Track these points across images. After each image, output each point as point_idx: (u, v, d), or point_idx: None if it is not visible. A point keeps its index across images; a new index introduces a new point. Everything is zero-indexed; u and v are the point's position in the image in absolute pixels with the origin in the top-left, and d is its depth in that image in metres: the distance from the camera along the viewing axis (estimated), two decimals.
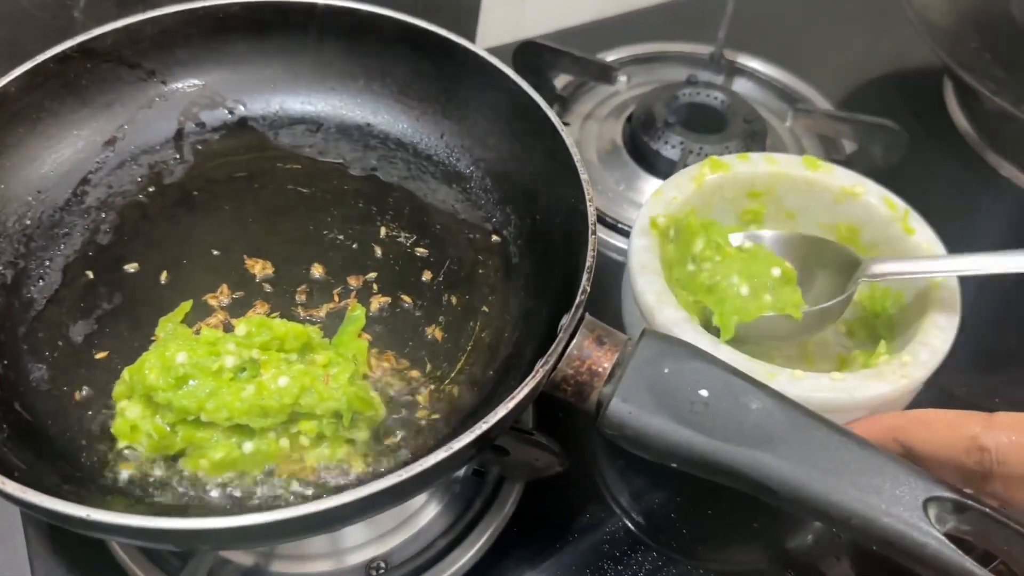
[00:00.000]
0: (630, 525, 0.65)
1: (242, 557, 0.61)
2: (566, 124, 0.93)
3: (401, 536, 0.63)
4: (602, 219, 0.85)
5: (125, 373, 0.57)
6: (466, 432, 0.49)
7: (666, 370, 0.53)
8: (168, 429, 0.55)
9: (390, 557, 0.62)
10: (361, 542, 0.63)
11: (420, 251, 0.68)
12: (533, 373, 0.52)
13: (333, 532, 0.61)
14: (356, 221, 0.69)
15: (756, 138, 0.86)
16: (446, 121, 0.74)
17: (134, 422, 0.55)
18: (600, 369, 0.53)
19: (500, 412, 0.50)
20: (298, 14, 0.74)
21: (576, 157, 0.63)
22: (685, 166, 0.75)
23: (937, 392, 0.68)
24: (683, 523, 0.66)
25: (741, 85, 0.99)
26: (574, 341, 0.54)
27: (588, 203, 0.60)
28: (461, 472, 0.67)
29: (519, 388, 0.51)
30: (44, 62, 0.67)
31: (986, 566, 0.50)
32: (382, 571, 0.61)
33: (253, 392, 0.54)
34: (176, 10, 0.71)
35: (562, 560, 0.63)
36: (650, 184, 0.86)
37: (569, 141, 0.64)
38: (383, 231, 0.69)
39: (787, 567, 0.64)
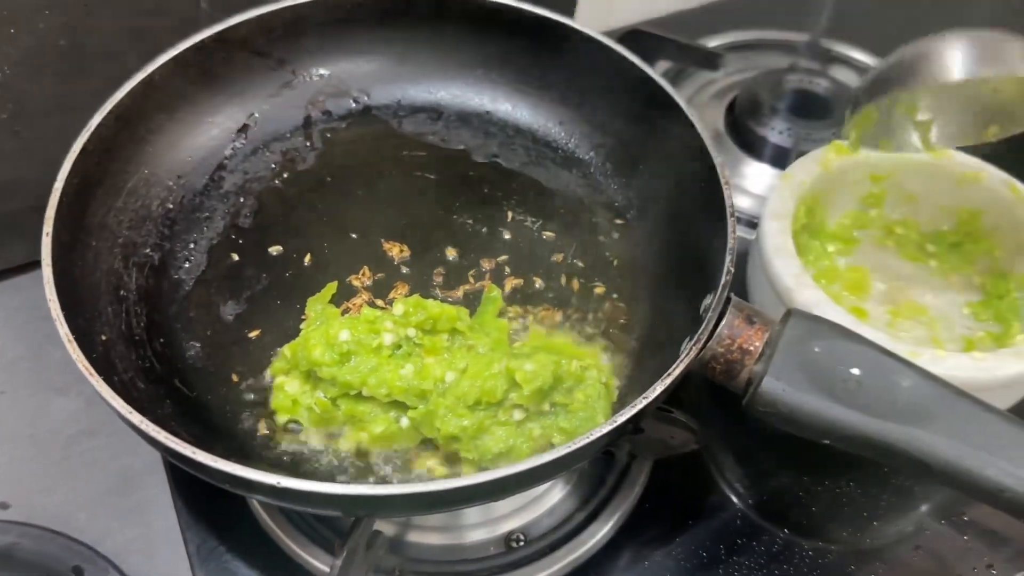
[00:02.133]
0: (753, 506, 0.66)
1: (388, 528, 0.63)
2: None
3: (537, 510, 0.65)
4: None
5: (286, 350, 0.60)
6: (625, 409, 0.51)
7: (816, 349, 0.54)
8: (330, 404, 0.57)
9: (528, 530, 0.64)
10: (499, 515, 0.65)
11: (547, 235, 0.70)
12: (686, 351, 0.53)
13: (490, 503, 0.63)
14: (483, 206, 0.71)
15: None
16: (564, 108, 0.76)
17: (295, 396, 0.58)
18: (752, 348, 0.55)
19: (658, 388, 0.51)
20: (421, 4, 0.75)
21: (706, 138, 0.64)
22: (800, 152, 0.76)
23: None
24: (811, 503, 0.67)
25: (841, 74, 0.99)
26: (724, 320, 0.55)
27: (724, 185, 0.61)
28: None
29: (674, 365, 0.52)
30: (185, 51, 0.69)
31: None
32: (521, 543, 0.63)
33: (412, 372, 0.56)
34: (306, 0, 0.73)
35: (693, 537, 0.65)
36: (754, 169, 0.87)
37: (698, 123, 0.65)
38: (510, 215, 0.71)
39: (916, 543, 0.65)
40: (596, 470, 0.67)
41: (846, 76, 0.99)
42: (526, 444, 0.56)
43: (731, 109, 0.92)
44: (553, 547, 0.63)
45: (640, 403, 0.51)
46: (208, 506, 0.65)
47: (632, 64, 0.70)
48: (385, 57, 0.77)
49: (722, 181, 0.62)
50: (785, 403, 0.53)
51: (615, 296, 0.66)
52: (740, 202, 0.85)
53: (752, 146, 0.88)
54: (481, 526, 0.64)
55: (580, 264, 0.68)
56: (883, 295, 0.69)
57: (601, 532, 0.64)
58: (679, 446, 0.64)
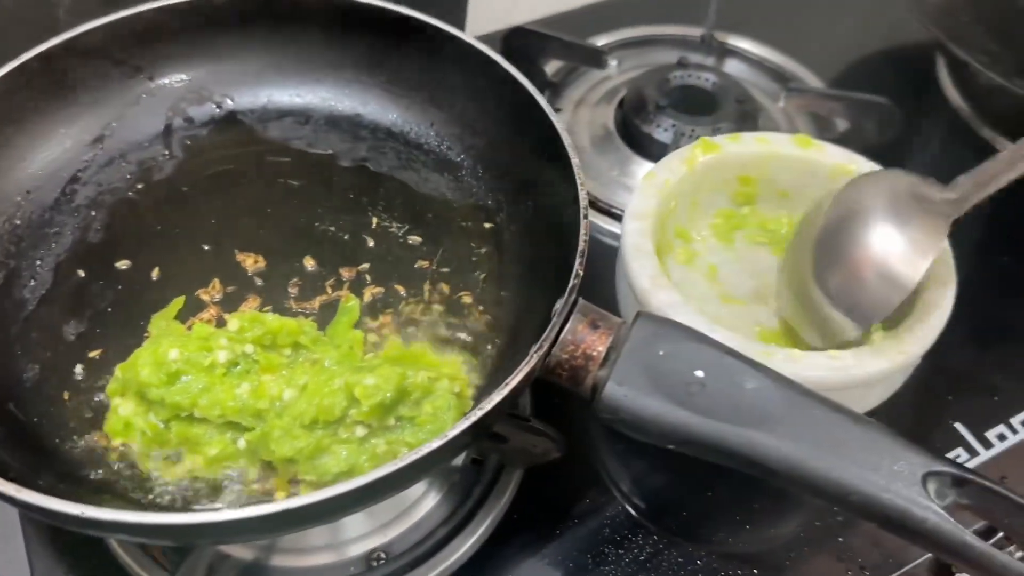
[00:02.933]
0: (630, 509, 0.65)
1: (242, 552, 0.61)
2: (558, 110, 0.94)
3: (401, 526, 0.63)
4: (595, 204, 0.84)
5: (118, 370, 0.57)
6: (460, 420, 0.49)
7: (661, 352, 0.53)
8: (162, 426, 0.55)
9: (390, 547, 0.62)
10: (361, 533, 0.63)
11: (413, 240, 0.68)
12: (528, 359, 0.51)
13: (330, 523, 0.61)
14: (347, 212, 0.69)
15: (748, 119, 0.86)
16: (435, 110, 0.74)
17: (127, 419, 0.55)
18: (595, 353, 0.53)
19: (495, 399, 0.50)
20: (283, 5, 0.73)
21: (567, 141, 0.62)
22: (678, 149, 0.74)
23: (936, 367, 0.68)
24: (683, 506, 0.66)
25: (732, 67, 0.98)
26: (568, 325, 0.53)
27: (579, 187, 0.60)
28: (460, 460, 0.67)
29: (513, 374, 0.51)
30: (29, 61, 0.66)
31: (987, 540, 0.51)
32: (382, 561, 0.61)
33: (248, 391, 0.54)
34: (161, 5, 0.71)
35: (563, 545, 0.63)
36: (643, 168, 0.85)
37: (559, 126, 0.63)
38: (375, 221, 0.69)
39: (789, 547, 0.64)
40: (466, 481, 0.66)
41: (736, 69, 0.98)
42: (369, 461, 0.54)
43: (620, 107, 0.90)
44: (416, 563, 0.61)
45: (474, 415, 0.49)
46: (59, 535, 0.63)
47: (496, 63, 0.68)
48: (249, 60, 0.75)
49: (578, 182, 0.60)
50: (627, 408, 0.52)
51: (480, 303, 0.64)
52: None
53: (640, 145, 0.86)
54: (341, 546, 0.62)
55: (446, 270, 0.66)
56: (753, 293, 0.68)
57: (466, 545, 0.62)
58: (542, 455, 0.62)
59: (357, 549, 0.62)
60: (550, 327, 0.53)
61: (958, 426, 0.71)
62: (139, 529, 0.46)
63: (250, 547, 0.61)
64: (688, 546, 0.63)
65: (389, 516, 0.63)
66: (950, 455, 0.70)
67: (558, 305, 0.55)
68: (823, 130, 0.92)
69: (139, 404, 0.56)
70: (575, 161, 0.61)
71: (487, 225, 0.69)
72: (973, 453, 0.69)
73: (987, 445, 0.70)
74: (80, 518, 0.44)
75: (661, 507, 0.66)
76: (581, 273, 0.55)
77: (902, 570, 0.63)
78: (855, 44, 1.05)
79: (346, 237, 0.67)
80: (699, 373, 0.52)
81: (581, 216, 0.58)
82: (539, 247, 0.65)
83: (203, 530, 0.47)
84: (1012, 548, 0.58)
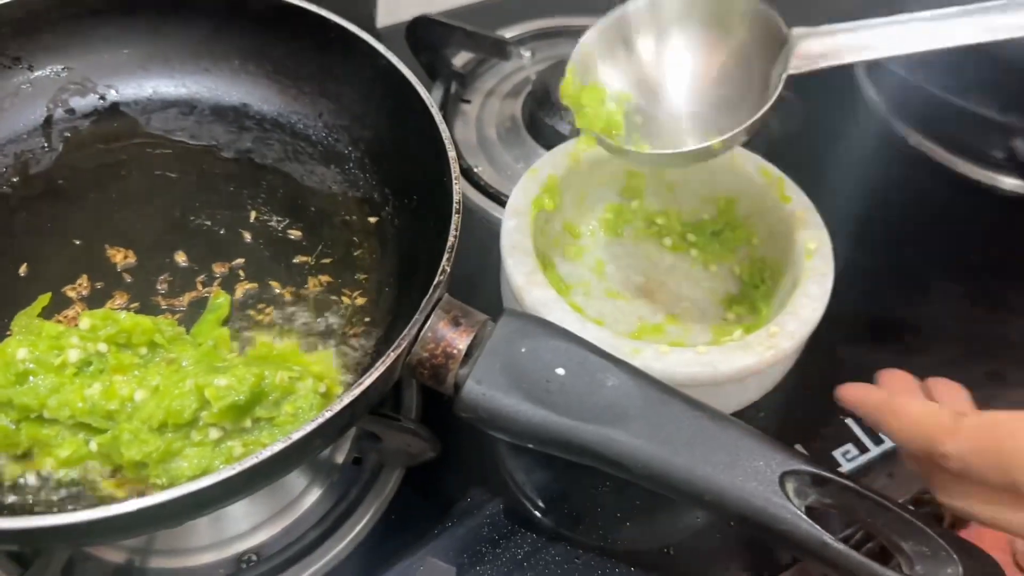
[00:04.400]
0: (510, 507, 0.64)
1: (109, 553, 0.60)
2: (467, 101, 0.93)
3: (276, 527, 0.62)
4: (499, 198, 0.83)
5: None
6: (309, 421, 0.48)
7: (523, 349, 0.52)
8: (12, 427, 0.53)
9: (262, 549, 0.61)
10: (234, 534, 0.61)
11: (293, 234, 0.66)
12: (383, 358, 0.50)
13: (177, 526, 0.59)
14: (225, 206, 0.67)
15: None
16: (324, 100, 0.72)
17: None
18: (455, 351, 0.52)
19: (345, 399, 0.48)
20: None
21: (445, 134, 0.61)
22: None
23: (827, 359, 0.68)
24: (564, 504, 0.65)
25: None
26: (428, 323, 0.53)
27: (453, 180, 0.59)
28: (340, 459, 0.66)
29: (368, 374, 0.50)
30: None
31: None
32: (253, 563, 0.60)
33: (99, 392, 0.52)
34: None
35: (439, 545, 0.62)
36: None
37: (438, 117, 0.62)
38: (253, 215, 0.67)
39: (668, 545, 0.63)
40: (345, 480, 0.64)
41: None
42: (225, 464, 0.52)
43: (528, 100, 0.89)
44: (286, 564, 0.60)
45: (320, 417, 0.48)
46: None
47: (380, 54, 0.67)
48: (133, 50, 0.73)
49: (452, 175, 0.59)
50: (484, 407, 0.51)
51: (359, 298, 0.63)
52: None
53: (545, 137, 0.85)
54: (212, 548, 0.61)
55: (326, 265, 0.65)
56: (639, 288, 0.67)
57: (339, 546, 0.61)
58: (418, 454, 0.61)
59: (229, 550, 0.61)
60: (410, 324, 0.52)
61: (848, 421, 0.70)
62: None
63: (119, 548, 0.60)
64: (566, 544, 0.62)
65: (264, 516, 0.62)
66: (840, 450, 0.69)
67: (423, 302, 0.54)
68: None
69: None
70: (451, 154, 0.60)
71: (372, 219, 0.68)
72: (863, 449, 0.69)
73: (877, 441, 0.70)
74: None
75: (542, 506, 0.65)
76: (448, 269, 0.54)
77: (784, 571, 0.63)
78: None
79: (222, 231, 0.66)
80: (559, 371, 0.51)
81: (453, 211, 0.57)
82: (421, 242, 0.64)
83: (41, 534, 0.45)
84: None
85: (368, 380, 0.49)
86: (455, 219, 0.57)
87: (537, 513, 0.64)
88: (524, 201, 0.65)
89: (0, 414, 0.53)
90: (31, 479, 0.53)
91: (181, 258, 0.64)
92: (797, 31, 0.58)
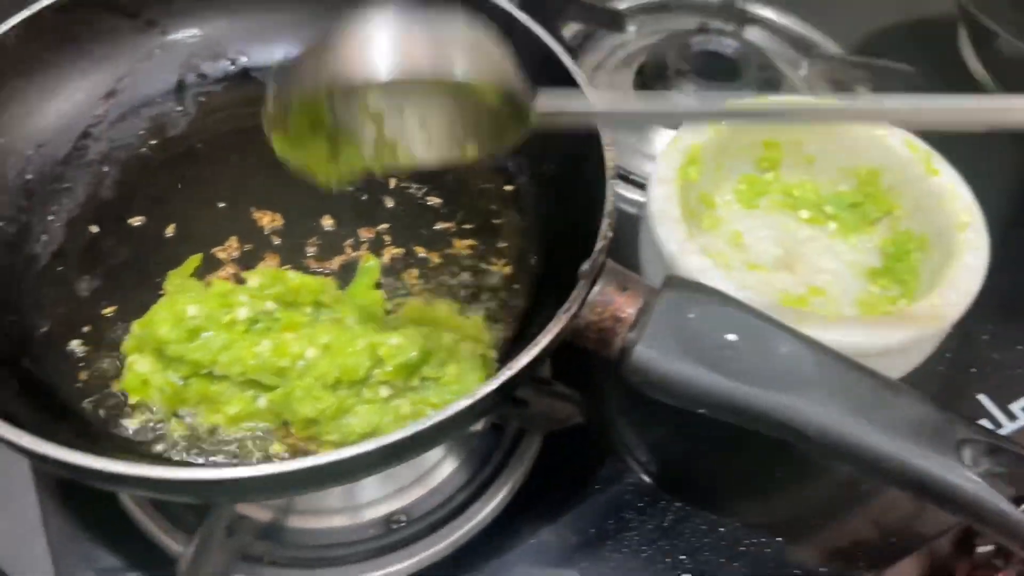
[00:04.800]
0: (647, 477, 0.64)
1: (259, 512, 0.60)
2: None
3: (420, 490, 0.62)
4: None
5: (135, 327, 0.56)
6: (488, 381, 0.48)
7: (691, 315, 0.52)
8: (180, 383, 0.54)
9: (410, 511, 0.61)
10: (380, 496, 0.62)
11: (433, 201, 0.66)
12: (555, 320, 0.50)
13: (351, 483, 0.60)
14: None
15: (770, 87, 0.84)
16: None
17: (145, 376, 0.54)
18: (624, 315, 0.52)
19: (523, 359, 0.49)
20: None
21: (590, 96, 0.61)
22: None
23: (961, 338, 0.67)
24: (705, 474, 0.65)
25: (752, 34, 0.96)
26: (596, 287, 0.52)
27: (604, 147, 0.58)
28: (480, 426, 0.66)
29: (541, 335, 0.50)
30: (42, 11, 0.65)
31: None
32: (402, 524, 0.60)
33: (269, 349, 0.53)
34: None
35: (583, 512, 0.62)
36: (662, 135, 0.84)
37: (581, 79, 0.62)
38: (393, 182, 0.67)
39: (810, 517, 0.63)
40: (485, 446, 0.65)
41: (758, 36, 0.96)
42: (394, 422, 0.53)
43: (640, 73, 0.89)
44: (435, 527, 0.60)
45: (504, 375, 0.48)
46: (72, 493, 0.61)
47: (515, 18, 0.67)
48: (264, 16, 0.73)
49: (604, 142, 0.59)
50: (656, 371, 0.51)
51: (502, 265, 0.63)
52: (648, 169, 0.82)
53: None
54: (358, 508, 0.61)
55: (467, 231, 0.65)
56: (778, 260, 0.67)
57: (486, 510, 0.61)
58: (564, 419, 0.61)
59: (376, 512, 0.61)
60: (578, 288, 0.52)
61: (982, 398, 0.70)
62: (159, 485, 0.45)
63: (267, 508, 0.60)
64: (710, 514, 0.62)
65: (408, 480, 0.62)
66: None
67: (585, 267, 0.53)
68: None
69: (156, 361, 0.54)
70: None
71: (507, 187, 0.67)
72: (997, 425, 0.69)
73: (1011, 417, 0.69)
74: (102, 472, 0.43)
75: (682, 474, 0.65)
76: (610, 235, 0.54)
77: (926, 540, 0.63)
78: (876, 13, 1.03)
79: (364, 197, 0.66)
80: (731, 337, 0.51)
81: (608, 176, 0.57)
82: (562, 210, 0.64)
83: (226, 486, 0.46)
84: None
85: (544, 340, 0.50)
86: (610, 184, 0.57)
87: (677, 483, 0.64)
88: (669, 169, 0.64)
89: (170, 370, 0.54)
90: (198, 434, 0.54)
91: (328, 222, 0.64)
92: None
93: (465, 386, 0.54)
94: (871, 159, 0.68)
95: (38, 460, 0.45)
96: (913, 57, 0.93)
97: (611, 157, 0.58)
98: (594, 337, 0.53)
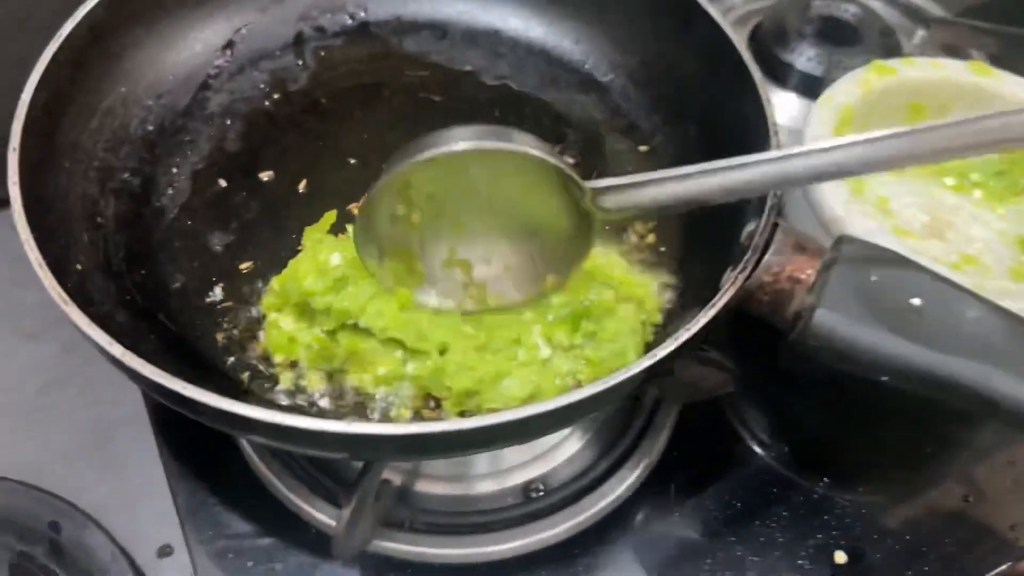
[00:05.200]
0: (789, 451, 0.62)
1: (395, 477, 0.58)
2: None
3: (556, 459, 0.60)
4: None
5: (275, 283, 0.54)
6: (666, 342, 0.45)
7: (873, 278, 0.49)
8: (327, 339, 0.51)
9: (547, 480, 0.59)
10: (514, 464, 0.60)
11: (566, 160, 0.64)
12: (730, 281, 0.48)
13: (506, 448, 0.58)
14: None
15: (892, 53, 0.81)
16: (581, 25, 0.70)
17: (290, 334, 0.52)
18: (803, 276, 0.49)
19: (701, 321, 0.46)
20: None
21: (745, 55, 0.58)
22: (832, 80, 0.70)
23: None
24: (847, 450, 0.63)
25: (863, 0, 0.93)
26: (772, 247, 0.50)
27: (765, 103, 0.56)
28: None
29: (718, 296, 0.47)
30: None
31: None
32: (541, 493, 0.58)
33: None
34: None
35: (725, 486, 0.60)
36: (779, 98, 0.81)
37: (733, 36, 0.59)
38: None
39: (961, 496, 0.61)
40: (618, 416, 0.62)
41: (874, 4, 0.93)
42: (552, 384, 0.50)
43: (753, 36, 0.86)
44: (575, 497, 0.58)
45: (682, 335, 0.45)
46: (196, 455, 0.60)
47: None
48: None
49: (763, 99, 0.56)
50: (840, 336, 0.48)
51: (648, 233, 0.60)
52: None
53: (777, 74, 0.81)
54: (495, 475, 0.59)
55: None
56: (927, 228, 0.64)
57: (627, 482, 0.59)
58: (712, 388, 0.59)
59: (513, 479, 0.59)
60: (752, 248, 0.49)
61: None
62: (323, 438, 0.43)
63: (402, 472, 0.58)
64: (858, 490, 0.60)
65: (544, 447, 0.60)
66: None
67: (751, 227, 0.51)
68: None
69: (299, 318, 0.52)
70: (757, 76, 0.57)
71: (642, 148, 0.65)
72: None
73: None
74: (278, 426, 0.41)
75: (825, 452, 0.62)
76: (780, 192, 0.51)
77: None
78: None
79: None
80: (915, 301, 0.48)
81: (771, 133, 0.54)
82: None
83: (393, 442, 0.43)
84: None
85: (721, 300, 0.47)
86: (774, 140, 0.54)
87: (821, 459, 0.62)
88: (824, 129, 0.62)
89: (315, 326, 0.52)
90: (342, 392, 0.52)
91: None
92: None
93: (621, 347, 0.51)
94: None
95: (209, 415, 0.42)
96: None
97: (772, 112, 0.55)
98: (767, 300, 0.50)
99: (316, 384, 0.52)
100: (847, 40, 0.82)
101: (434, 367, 0.50)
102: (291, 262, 0.54)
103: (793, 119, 0.78)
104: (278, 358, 0.52)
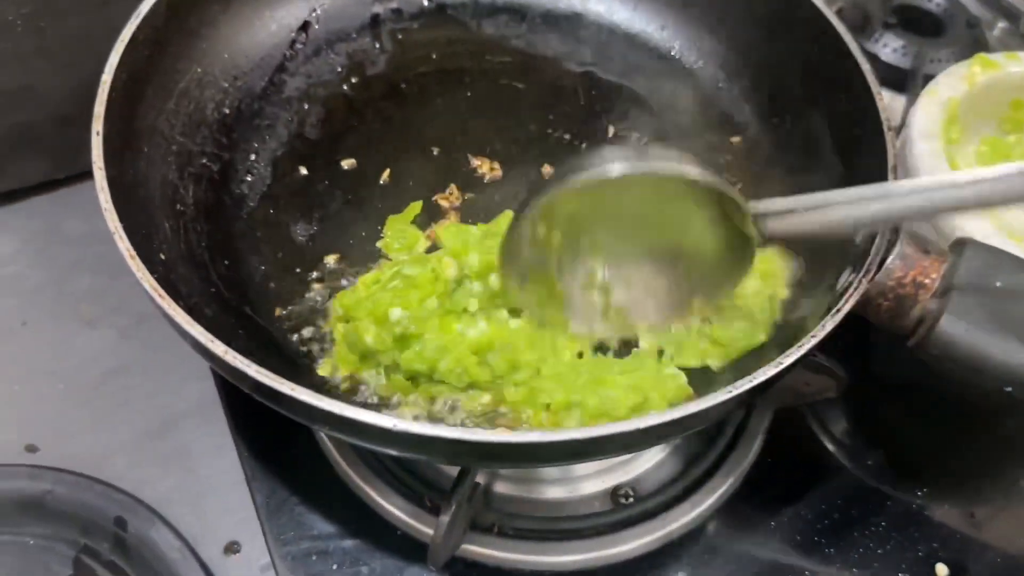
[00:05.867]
0: (886, 462, 0.60)
1: (480, 477, 0.56)
2: None
3: (645, 464, 0.58)
4: None
5: (336, 302, 0.52)
6: (792, 349, 0.43)
7: (999, 284, 0.47)
8: (403, 379, 0.49)
9: (636, 485, 0.57)
10: (602, 468, 0.58)
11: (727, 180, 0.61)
12: (853, 285, 0.46)
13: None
14: (580, 120, 0.63)
15: (978, 45, 0.78)
16: (667, 9, 0.67)
17: (356, 370, 0.50)
18: (927, 281, 0.47)
19: (828, 326, 0.44)
20: None
21: (852, 44, 0.56)
22: (919, 72, 0.68)
23: None
24: (943, 461, 0.60)
25: None
26: (896, 250, 0.47)
27: (876, 96, 0.53)
28: None
29: (843, 300, 0.45)
30: None
31: None
32: (631, 499, 0.56)
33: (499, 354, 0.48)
34: None
35: (821, 495, 0.58)
36: None
37: (839, 25, 0.57)
38: (611, 130, 0.62)
39: None
40: None
41: None
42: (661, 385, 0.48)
43: None
44: (668, 505, 0.56)
45: (807, 343, 0.43)
46: (276, 453, 0.58)
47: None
48: None
49: (874, 92, 0.54)
50: (966, 345, 0.46)
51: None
52: None
53: None
54: (583, 479, 0.57)
55: None
56: None
57: (720, 489, 0.56)
58: (813, 394, 0.57)
59: (600, 484, 0.57)
60: (875, 250, 0.47)
61: None
62: (434, 444, 0.40)
63: (487, 473, 0.56)
64: (957, 505, 0.58)
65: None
66: None
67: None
68: None
69: (365, 363, 0.50)
70: (866, 67, 0.55)
71: (734, 140, 0.62)
72: None
73: None
74: (389, 431, 0.39)
75: (923, 460, 0.60)
76: None
77: None
78: None
79: (584, 146, 0.61)
80: None
81: (885, 128, 0.52)
82: (806, 165, 0.58)
83: (507, 450, 0.41)
84: None
85: (847, 305, 0.45)
86: (889, 136, 0.52)
87: (918, 470, 0.59)
88: (931, 124, 0.59)
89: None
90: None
91: (547, 170, 0.59)
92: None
93: (751, 324, 0.49)
94: None
95: (307, 416, 0.40)
96: None
97: (884, 107, 0.53)
98: (887, 305, 0.48)
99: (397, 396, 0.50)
100: (930, 31, 0.79)
101: (526, 392, 0.48)
102: (356, 285, 0.52)
103: None
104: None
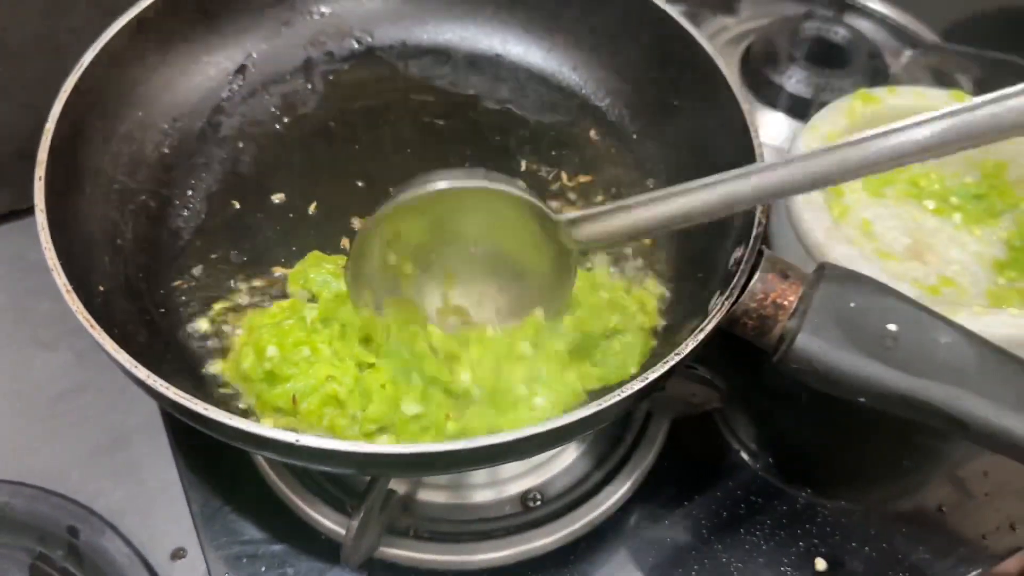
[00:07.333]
0: (774, 464, 0.65)
1: (400, 486, 0.61)
2: None
3: (553, 470, 0.63)
4: None
5: (247, 320, 0.56)
6: (656, 366, 0.48)
7: (852, 304, 0.52)
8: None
9: (544, 489, 0.62)
10: (513, 474, 0.63)
11: (566, 184, 0.67)
12: (717, 306, 0.51)
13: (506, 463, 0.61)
14: (495, 154, 0.68)
15: (880, 75, 0.84)
16: (578, 51, 0.72)
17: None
18: (786, 303, 0.52)
19: (690, 345, 0.49)
20: None
21: (732, 83, 0.61)
22: (820, 102, 0.73)
23: None
24: (829, 462, 0.66)
25: (855, 22, 0.96)
26: (757, 274, 0.53)
27: (753, 134, 0.59)
28: None
29: (707, 320, 0.50)
30: None
31: None
32: (538, 503, 0.61)
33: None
34: None
35: (712, 495, 0.63)
36: (769, 118, 0.84)
37: (723, 66, 0.62)
38: (523, 164, 0.68)
39: (936, 506, 0.64)
40: (611, 429, 0.65)
41: (863, 25, 0.96)
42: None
43: (745, 57, 0.88)
44: (571, 507, 0.61)
45: (672, 359, 0.48)
46: (211, 465, 0.63)
47: (646, 2, 0.67)
48: None
49: (751, 129, 0.59)
50: (820, 360, 0.51)
51: (638, 253, 0.63)
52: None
53: (767, 95, 0.85)
54: (494, 485, 0.62)
55: None
56: (908, 250, 0.67)
57: (620, 491, 0.62)
58: (701, 404, 0.62)
59: (512, 489, 0.62)
60: (738, 274, 0.52)
61: None
62: (335, 457, 0.45)
63: (406, 482, 0.61)
64: (839, 501, 0.63)
65: (542, 458, 0.63)
66: None
67: (739, 253, 0.54)
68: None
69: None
70: (745, 107, 0.60)
71: (638, 173, 0.68)
72: None
73: None
74: (293, 445, 0.44)
75: (808, 464, 0.65)
76: (764, 221, 0.54)
77: None
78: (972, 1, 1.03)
79: None
80: (892, 327, 0.51)
81: (757, 156, 0.57)
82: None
83: (398, 461, 0.45)
84: None
85: (709, 325, 0.50)
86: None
87: (801, 471, 0.65)
88: None
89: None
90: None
91: None
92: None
93: (623, 360, 0.55)
94: (998, 152, 0.68)
95: (220, 432, 0.45)
96: (1013, 46, 0.92)
97: (759, 143, 0.58)
98: (752, 324, 0.53)
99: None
100: (836, 62, 0.85)
101: (460, 427, 0.51)
102: (276, 304, 0.57)
103: (782, 139, 0.82)
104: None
